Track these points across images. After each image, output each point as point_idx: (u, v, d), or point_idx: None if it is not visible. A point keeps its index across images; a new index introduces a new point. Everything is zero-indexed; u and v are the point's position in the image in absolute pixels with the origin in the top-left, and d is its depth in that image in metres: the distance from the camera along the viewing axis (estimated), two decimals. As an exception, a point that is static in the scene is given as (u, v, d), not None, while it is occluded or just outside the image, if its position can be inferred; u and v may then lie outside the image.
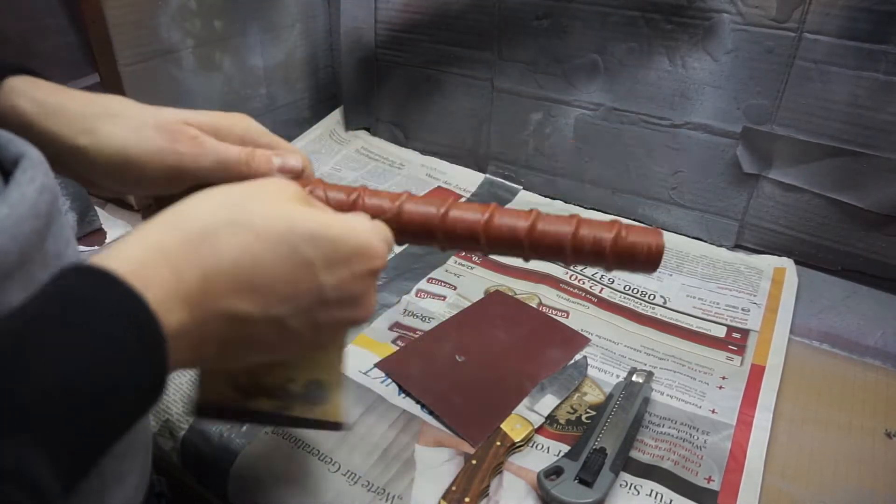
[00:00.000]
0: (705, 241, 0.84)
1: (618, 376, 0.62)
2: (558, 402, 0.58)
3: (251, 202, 0.32)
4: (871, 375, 0.65)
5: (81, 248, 0.79)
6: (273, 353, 0.34)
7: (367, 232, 0.35)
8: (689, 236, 0.85)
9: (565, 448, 0.55)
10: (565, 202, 0.92)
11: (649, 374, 0.61)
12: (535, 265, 0.78)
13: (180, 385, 0.59)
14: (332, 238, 0.33)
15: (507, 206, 0.90)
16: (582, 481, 0.50)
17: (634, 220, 0.88)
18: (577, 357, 0.64)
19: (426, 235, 0.44)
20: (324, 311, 0.33)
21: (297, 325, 0.33)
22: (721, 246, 0.83)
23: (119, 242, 0.29)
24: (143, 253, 0.29)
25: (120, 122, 0.40)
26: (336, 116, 1.07)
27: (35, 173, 0.30)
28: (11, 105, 0.39)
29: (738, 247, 0.83)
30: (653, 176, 0.85)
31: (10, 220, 0.28)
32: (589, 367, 0.63)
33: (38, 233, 0.30)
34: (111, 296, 0.26)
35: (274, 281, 0.31)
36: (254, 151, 0.43)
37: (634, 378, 0.60)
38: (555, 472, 0.51)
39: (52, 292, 0.26)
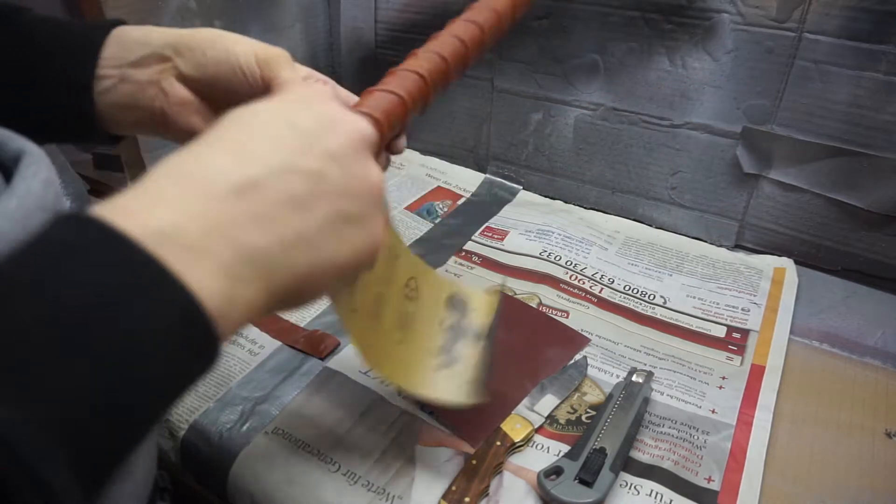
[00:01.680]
0: (705, 241, 0.84)
1: (618, 376, 0.62)
2: (558, 402, 0.58)
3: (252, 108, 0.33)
4: (871, 375, 0.65)
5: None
6: (324, 214, 0.31)
7: (357, 117, 0.35)
8: (689, 236, 0.85)
9: (565, 448, 0.55)
10: (565, 202, 0.92)
11: (649, 374, 0.61)
12: (535, 265, 0.78)
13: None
14: (321, 110, 0.33)
15: (507, 206, 0.91)
16: (582, 481, 0.50)
17: (635, 220, 0.88)
18: (577, 357, 0.64)
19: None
20: (319, 139, 0.31)
21: (307, 162, 0.30)
22: (721, 246, 0.83)
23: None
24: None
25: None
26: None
27: (38, 168, 0.31)
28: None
29: (738, 247, 0.83)
30: (653, 176, 0.85)
31: (20, 213, 0.28)
32: (589, 367, 0.63)
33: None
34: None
35: (246, 146, 0.30)
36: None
37: (634, 378, 0.60)
38: (555, 471, 0.51)
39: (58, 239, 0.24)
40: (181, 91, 0.43)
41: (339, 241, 0.32)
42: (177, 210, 0.26)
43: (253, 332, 0.61)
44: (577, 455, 0.52)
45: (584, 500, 0.49)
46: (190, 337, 0.25)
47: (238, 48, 0.42)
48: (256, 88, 0.42)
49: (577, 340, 0.67)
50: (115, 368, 0.22)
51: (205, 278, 0.25)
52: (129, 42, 0.43)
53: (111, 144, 0.47)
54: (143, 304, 0.23)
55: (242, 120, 0.31)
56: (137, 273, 0.23)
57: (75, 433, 0.21)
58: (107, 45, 0.42)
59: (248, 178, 0.28)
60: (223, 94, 0.43)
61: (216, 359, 0.26)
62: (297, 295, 0.31)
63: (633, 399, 0.57)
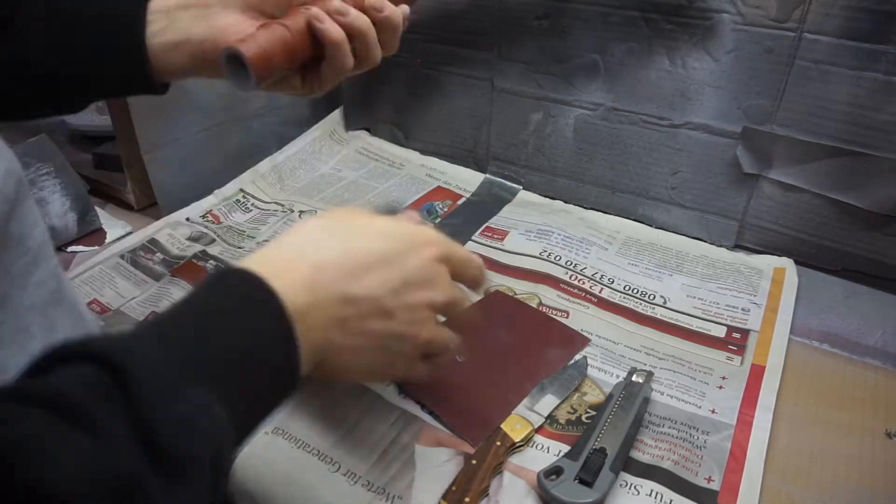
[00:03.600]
0: (705, 241, 0.84)
1: (618, 376, 0.62)
2: (558, 402, 0.58)
3: (338, 218, 0.44)
4: (871, 375, 0.65)
5: (81, 248, 0.79)
6: (379, 344, 0.42)
7: (426, 230, 0.45)
8: (689, 236, 0.85)
9: (565, 448, 0.55)
10: (565, 202, 0.93)
11: (649, 374, 0.61)
12: (535, 265, 0.78)
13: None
14: (401, 233, 0.43)
15: (507, 206, 0.91)
16: (582, 481, 0.50)
17: (635, 220, 0.88)
18: (578, 357, 0.64)
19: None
20: (409, 290, 0.41)
21: (392, 304, 0.40)
22: (721, 246, 0.83)
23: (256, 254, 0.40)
24: (266, 256, 0.39)
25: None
26: (336, 117, 1.07)
27: None
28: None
29: (738, 247, 0.83)
30: (653, 176, 0.85)
31: None
32: (589, 367, 0.63)
33: (2, 216, 0.31)
34: (250, 286, 0.35)
35: (368, 267, 0.40)
36: None
37: (634, 378, 0.60)
38: (555, 472, 0.51)
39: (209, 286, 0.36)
40: (229, 16, 0.50)
41: (372, 363, 0.43)
42: (310, 297, 0.37)
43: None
44: (578, 455, 0.52)
45: (584, 499, 0.49)
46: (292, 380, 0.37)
47: None
48: None
49: (576, 341, 0.67)
50: (267, 388, 0.36)
51: (306, 356, 0.36)
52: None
53: (159, 93, 0.52)
54: (281, 357, 0.36)
55: (352, 237, 0.42)
56: (284, 335, 0.35)
57: (242, 419, 0.33)
58: None
59: (354, 295, 0.39)
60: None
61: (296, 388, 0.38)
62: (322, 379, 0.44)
63: (633, 399, 0.57)
